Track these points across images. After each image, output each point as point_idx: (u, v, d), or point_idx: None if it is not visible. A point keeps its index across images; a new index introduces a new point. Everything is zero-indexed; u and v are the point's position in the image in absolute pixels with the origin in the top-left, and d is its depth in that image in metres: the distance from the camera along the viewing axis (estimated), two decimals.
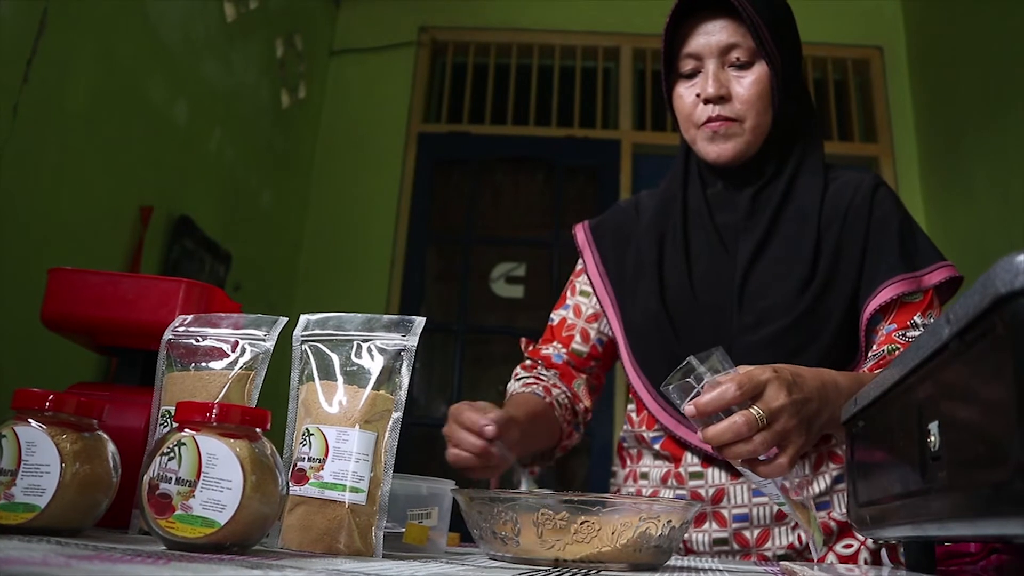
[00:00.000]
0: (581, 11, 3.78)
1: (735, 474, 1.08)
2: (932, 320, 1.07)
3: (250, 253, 2.99)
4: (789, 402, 0.81)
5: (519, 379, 1.30)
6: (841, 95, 3.70)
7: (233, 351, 0.82)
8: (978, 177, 2.91)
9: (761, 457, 0.83)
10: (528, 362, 1.33)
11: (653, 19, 3.63)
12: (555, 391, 1.25)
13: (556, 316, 1.34)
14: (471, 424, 1.02)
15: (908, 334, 1.06)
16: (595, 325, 1.30)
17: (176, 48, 2.45)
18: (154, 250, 2.39)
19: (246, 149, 2.96)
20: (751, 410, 0.80)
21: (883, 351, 1.05)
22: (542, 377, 1.28)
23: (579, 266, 1.35)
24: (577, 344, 1.30)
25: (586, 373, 1.31)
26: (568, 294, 1.34)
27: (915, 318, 1.07)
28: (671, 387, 0.84)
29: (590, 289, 1.31)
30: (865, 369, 1.06)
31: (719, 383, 0.81)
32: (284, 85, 3.25)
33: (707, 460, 1.12)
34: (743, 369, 0.84)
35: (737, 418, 0.80)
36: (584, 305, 1.31)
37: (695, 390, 0.82)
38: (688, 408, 0.82)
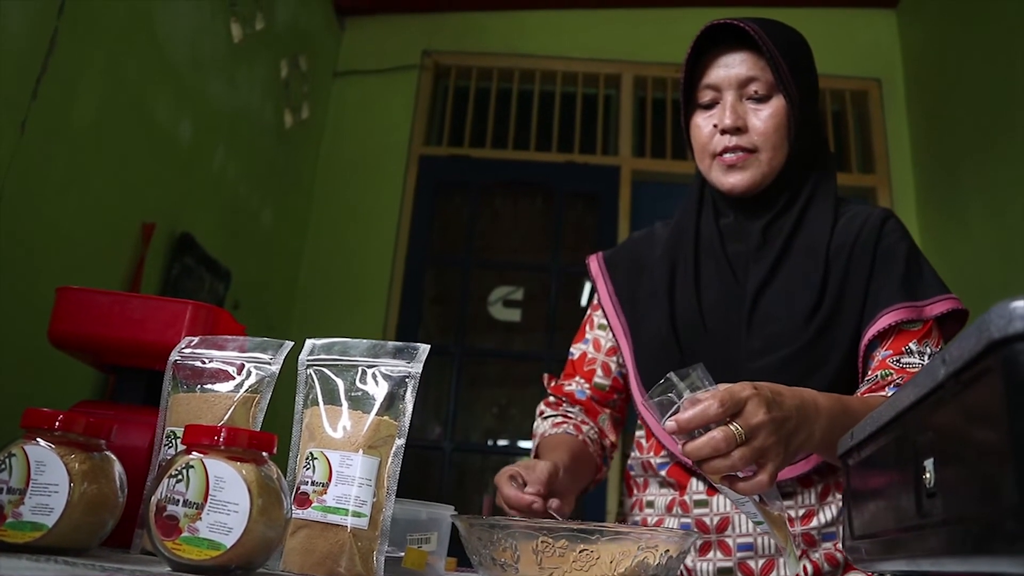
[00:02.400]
0: (583, 38, 3.82)
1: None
2: (928, 348, 1.08)
3: (250, 271, 3.00)
4: (768, 419, 0.82)
5: (546, 417, 1.29)
6: (839, 126, 3.74)
7: (239, 374, 0.83)
8: (974, 208, 2.94)
9: (740, 474, 0.84)
10: (551, 398, 1.33)
11: (654, 47, 3.70)
12: (584, 427, 1.25)
13: (576, 351, 1.34)
14: (518, 505, 0.99)
15: (902, 360, 1.06)
16: (614, 358, 1.30)
17: (183, 67, 2.47)
18: (155, 267, 2.40)
19: (249, 168, 2.98)
20: (731, 426, 0.81)
21: (876, 376, 1.06)
22: (569, 415, 1.28)
23: (595, 300, 1.35)
24: (599, 378, 1.30)
25: (609, 407, 1.31)
26: (587, 328, 1.35)
27: (910, 344, 1.07)
28: (651, 402, 0.85)
29: (607, 322, 1.31)
30: (859, 393, 1.07)
31: (699, 400, 0.82)
32: (288, 105, 3.27)
33: (712, 488, 1.12)
34: (723, 386, 0.84)
35: (716, 433, 0.80)
36: (603, 339, 1.31)
37: (675, 406, 0.83)
38: (669, 424, 0.83)
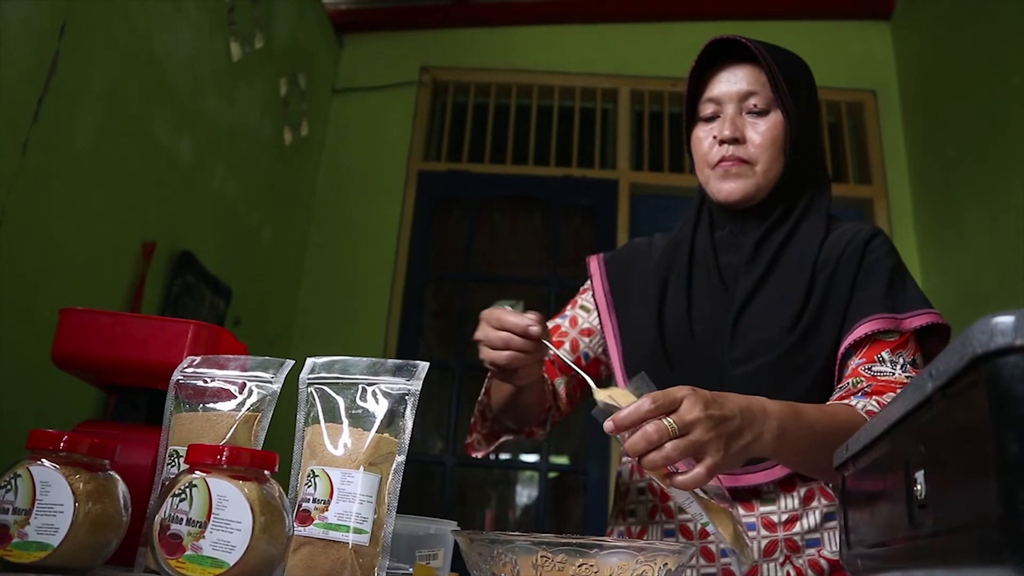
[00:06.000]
0: (580, 53, 3.84)
1: None
2: (902, 359, 1.09)
3: (250, 288, 3.02)
4: (704, 416, 0.84)
5: None
6: (835, 138, 3.76)
7: (240, 393, 0.84)
8: (970, 217, 2.96)
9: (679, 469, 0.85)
10: None
11: (651, 61, 3.73)
12: (544, 373, 1.28)
13: (551, 323, 1.36)
14: (515, 326, 1.04)
15: (873, 368, 1.07)
16: (587, 339, 1.33)
17: (182, 87, 2.49)
18: (156, 285, 2.41)
19: (248, 185, 3.00)
20: (663, 420, 0.84)
21: (847, 384, 1.07)
22: None
23: (586, 285, 1.38)
24: (563, 351, 1.32)
25: (566, 377, 1.34)
26: (569, 307, 1.38)
27: (883, 353, 1.09)
28: (595, 411, 0.89)
29: (592, 306, 1.34)
30: (830, 401, 1.08)
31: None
32: (287, 123, 3.29)
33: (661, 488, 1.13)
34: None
35: (648, 427, 0.83)
36: (581, 318, 1.35)
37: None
38: (607, 425, 0.86)
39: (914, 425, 0.56)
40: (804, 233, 1.20)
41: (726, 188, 1.19)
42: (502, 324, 1.06)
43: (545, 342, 1.05)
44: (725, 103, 1.20)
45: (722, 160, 1.19)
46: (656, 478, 0.87)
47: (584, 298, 1.37)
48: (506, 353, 1.06)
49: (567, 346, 1.33)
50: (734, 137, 1.17)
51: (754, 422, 0.90)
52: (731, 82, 1.19)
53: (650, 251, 1.34)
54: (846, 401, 1.04)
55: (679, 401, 0.85)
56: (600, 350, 1.33)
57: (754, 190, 1.18)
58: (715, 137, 1.20)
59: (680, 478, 0.85)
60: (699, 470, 0.84)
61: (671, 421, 0.84)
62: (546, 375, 1.30)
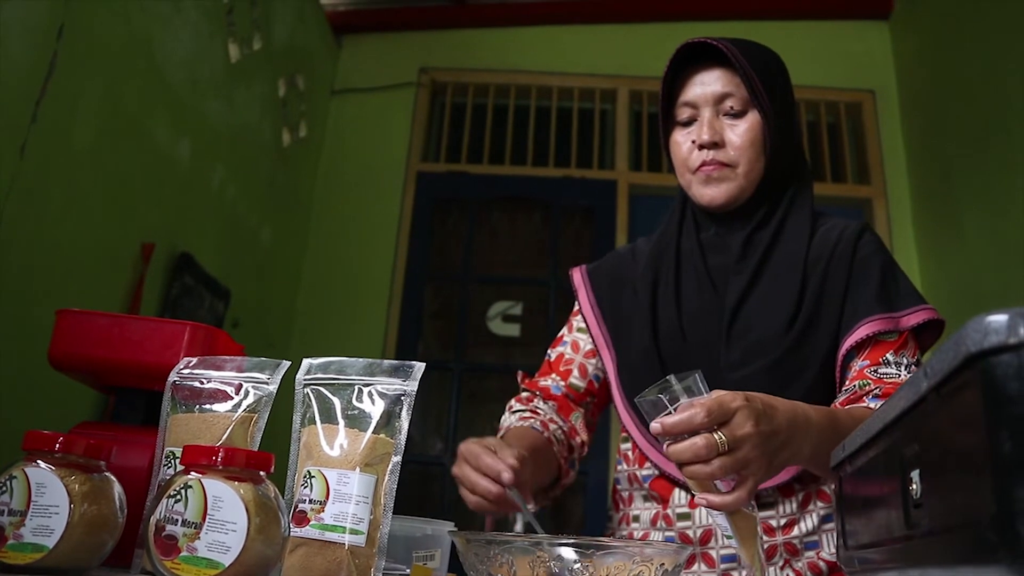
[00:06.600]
0: (579, 54, 3.84)
1: None
2: (905, 359, 1.09)
3: (249, 290, 3.02)
4: (755, 432, 0.82)
5: (515, 412, 1.29)
6: (834, 138, 3.75)
7: (237, 394, 0.84)
8: (969, 218, 2.95)
9: (720, 484, 0.84)
10: (525, 394, 1.33)
11: (649, 62, 3.72)
12: (552, 426, 1.25)
13: (553, 352, 1.35)
14: (488, 470, 0.99)
15: (879, 370, 1.07)
16: (592, 361, 1.32)
17: (181, 88, 2.49)
18: (155, 286, 2.41)
19: (247, 187, 3.00)
20: (715, 434, 0.81)
21: (854, 386, 1.07)
22: (539, 411, 1.28)
23: (576, 306, 1.37)
24: (575, 379, 1.31)
25: (583, 408, 1.32)
26: (566, 332, 1.36)
27: (887, 355, 1.09)
28: (643, 401, 0.85)
29: (586, 327, 1.33)
30: (837, 404, 1.08)
31: (692, 405, 0.82)
32: (286, 124, 3.29)
33: (695, 500, 1.13)
34: (716, 393, 0.84)
35: (699, 440, 0.81)
36: (582, 341, 1.33)
37: (667, 409, 0.84)
38: (655, 426, 0.83)
39: (909, 424, 0.56)
40: (790, 231, 1.19)
41: (709, 193, 1.18)
42: (477, 466, 1.00)
43: (512, 494, 0.99)
44: (701, 106, 1.19)
45: (703, 165, 1.18)
46: (691, 485, 0.86)
47: (578, 319, 1.35)
48: (473, 499, 1.02)
49: (576, 372, 1.31)
50: (713, 141, 1.17)
51: (796, 435, 0.88)
52: (706, 85, 1.18)
53: (634, 257, 1.33)
54: (865, 405, 1.04)
55: (732, 413, 0.82)
56: (605, 369, 1.31)
57: (737, 193, 1.18)
58: (694, 142, 1.19)
59: (718, 500, 0.83)
60: (740, 494, 0.83)
61: (722, 436, 0.81)
62: (559, 417, 1.27)
